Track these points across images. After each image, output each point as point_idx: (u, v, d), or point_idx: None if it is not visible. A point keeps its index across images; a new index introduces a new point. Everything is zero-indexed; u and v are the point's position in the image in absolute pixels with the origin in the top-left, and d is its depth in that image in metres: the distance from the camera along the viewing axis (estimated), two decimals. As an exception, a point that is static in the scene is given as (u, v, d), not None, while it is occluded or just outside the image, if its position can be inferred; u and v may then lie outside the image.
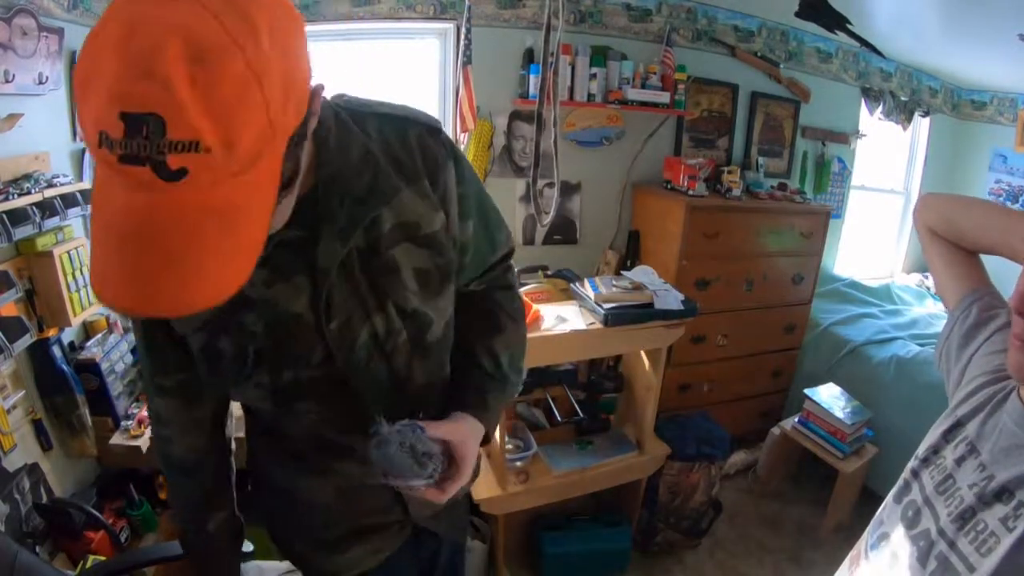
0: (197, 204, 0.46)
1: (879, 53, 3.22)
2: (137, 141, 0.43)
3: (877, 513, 0.82)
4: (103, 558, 1.43)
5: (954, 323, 0.85)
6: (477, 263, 0.88)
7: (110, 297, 0.47)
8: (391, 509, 0.91)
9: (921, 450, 0.78)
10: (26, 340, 1.38)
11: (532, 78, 2.35)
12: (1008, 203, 3.50)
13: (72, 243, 1.59)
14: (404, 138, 0.75)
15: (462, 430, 0.80)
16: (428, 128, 0.78)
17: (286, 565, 1.27)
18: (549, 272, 2.31)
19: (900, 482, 0.79)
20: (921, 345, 2.73)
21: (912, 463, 0.78)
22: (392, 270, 0.74)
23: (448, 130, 2.50)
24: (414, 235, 0.75)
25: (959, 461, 0.70)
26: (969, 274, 0.89)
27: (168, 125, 0.42)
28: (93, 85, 0.44)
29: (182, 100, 0.42)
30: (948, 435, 0.74)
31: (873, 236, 3.86)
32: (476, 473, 0.91)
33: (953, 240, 0.89)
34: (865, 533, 0.83)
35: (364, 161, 0.70)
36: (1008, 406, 0.68)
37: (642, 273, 2.12)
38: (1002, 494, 0.63)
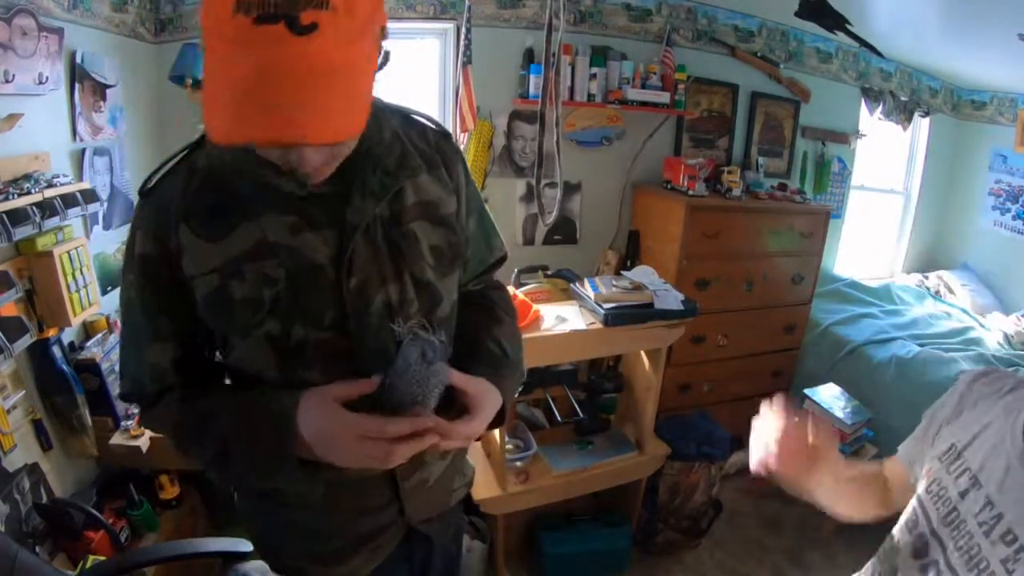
0: (325, 56, 0.54)
1: (878, 53, 3.22)
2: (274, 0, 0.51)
3: (887, 541, 0.83)
4: (103, 558, 1.43)
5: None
6: (476, 262, 0.94)
7: (251, 132, 0.54)
8: (386, 508, 0.89)
9: (924, 484, 0.78)
10: (26, 340, 1.39)
11: (532, 78, 2.35)
12: (1008, 203, 3.50)
13: (72, 243, 1.59)
14: (423, 133, 0.84)
15: (482, 391, 0.78)
16: (442, 132, 0.87)
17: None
18: (549, 272, 2.31)
19: (909, 511, 0.79)
20: (921, 345, 2.73)
21: (919, 492, 0.78)
22: (412, 241, 0.79)
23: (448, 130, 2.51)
24: (432, 214, 0.82)
25: (963, 494, 0.71)
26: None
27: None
28: None
29: None
30: (950, 467, 0.74)
31: (873, 236, 3.86)
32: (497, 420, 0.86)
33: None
34: (874, 561, 0.85)
35: (395, 140, 0.79)
36: (1017, 449, 0.68)
37: (642, 273, 2.12)
38: (1006, 536, 0.65)
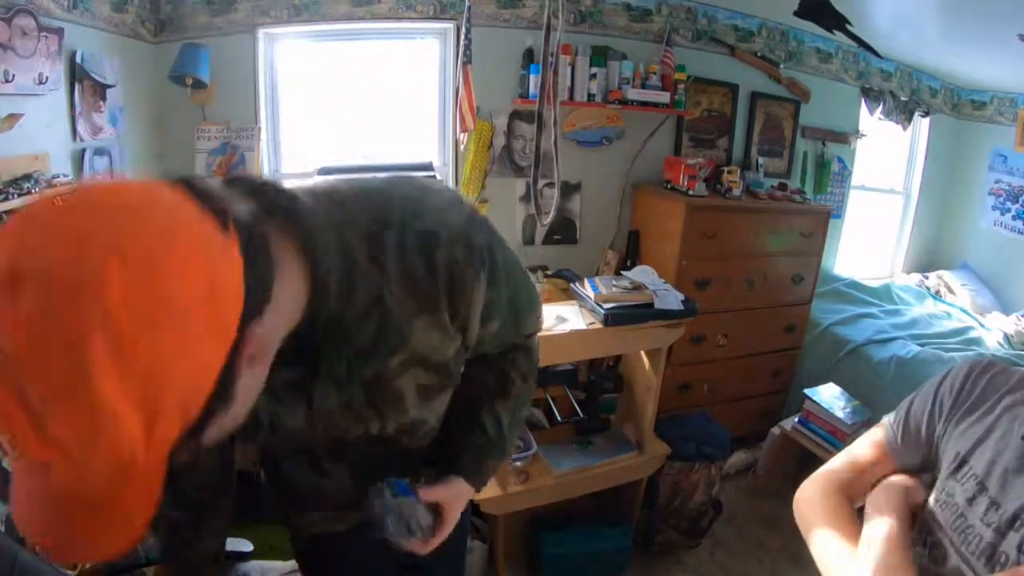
0: (66, 492, 0.42)
1: (876, 54, 3.22)
2: None
3: None
4: (103, 558, 1.43)
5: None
6: (498, 343, 0.85)
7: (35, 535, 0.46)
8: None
9: (932, 494, 0.78)
10: (26, 340, 1.38)
11: (532, 78, 2.35)
12: (1008, 203, 3.50)
13: (72, 243, 1.59)
14: (430, 260, 0.66)
15: (454, 494, 0.84)
16: (464, 243, 0.68)
17: (288, 565, 1.26)
18: (549, 272, 2.31)
19: (920, 522, 0.79)
20: (921, 345, 2.73)
21: (929, 502, 0.78)
22: (396, 398, 0.73)
23: (448, 130, 2.51)
24: (424, 362, 0.72)
25: (970, 500, 0.71)
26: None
27: (17, 445, 0.39)
28: None
29: (23, 430, 0.38)
30: (956, 474, 0.74)
31: (873, 236, 3.86)
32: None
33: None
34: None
35: (372, 308, 0.64)
36: (1015, 449, 0.69)
37: (642, 273, 2.12)
38: (1014, 522, 0.65)
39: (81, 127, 1.73)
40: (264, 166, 2.39)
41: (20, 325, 0.37)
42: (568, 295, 2.10)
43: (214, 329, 0.43)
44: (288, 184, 0.61)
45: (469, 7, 2.15)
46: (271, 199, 0.55)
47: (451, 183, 2.58)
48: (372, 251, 0.63)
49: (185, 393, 0.43)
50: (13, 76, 1.43)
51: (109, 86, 1.85)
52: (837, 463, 0.92)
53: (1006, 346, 2.94)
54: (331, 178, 0.69)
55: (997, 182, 3.55)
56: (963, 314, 3.26)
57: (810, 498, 0.91)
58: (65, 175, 1.58)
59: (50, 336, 0.37)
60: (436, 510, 0.82)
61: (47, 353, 0.37)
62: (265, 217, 0.53)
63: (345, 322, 0.62)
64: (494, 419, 0.87)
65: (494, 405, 0.88)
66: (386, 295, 0.64)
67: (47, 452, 0.39)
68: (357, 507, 0.80)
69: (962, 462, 0.74)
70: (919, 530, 0.78)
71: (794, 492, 1.04)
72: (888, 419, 0.88)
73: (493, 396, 0.88)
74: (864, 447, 0.89)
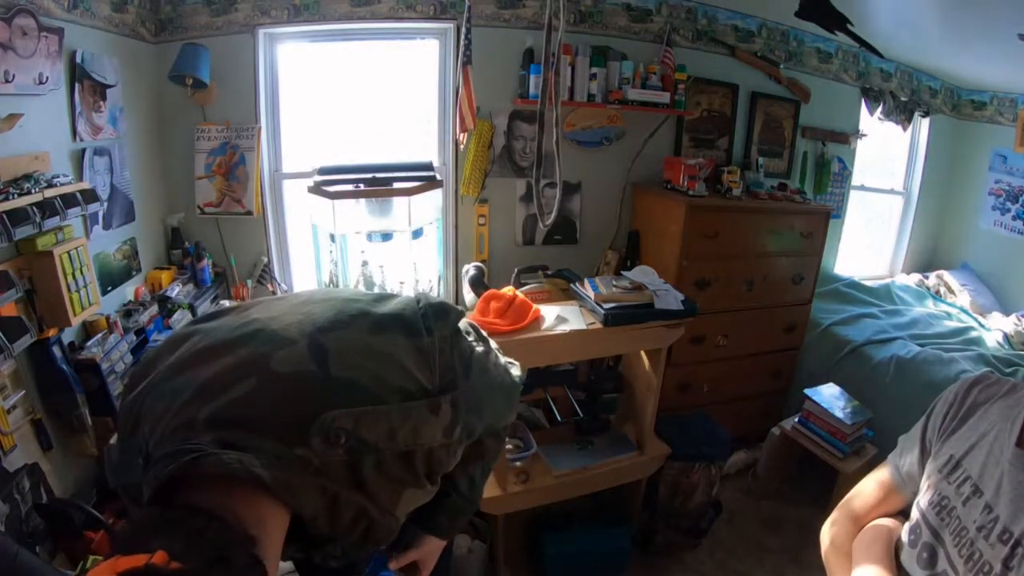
0: None
1: (878, 54, 3.22)
2: None
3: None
4: (103, 558, 1.43)
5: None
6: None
7: None
8: None
9: (926, 496, 0.78)
10: (26, 340, 1.38)
11: (532, 78, 2.35)
12: (1008, 203, 3.50)
13: (72, 243, 1.59)
14: (409, 464, 0.65)
15: (427, 552, 0.90)
16: (442, 445, 0.67)
17: (286, 565, 1.27)
18: (549, 272, 2.31)
19: (912, 522, 0.79)
20: (921, 345, 2.73)
21: (922, 504, 0.79)
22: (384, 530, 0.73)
23: (448, 130, 2.51)
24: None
25: (965, 502, 0.72)
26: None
27: None
28: None
29: None
30: (949, 477, 0.75)
31: (873, 236, 3.86)
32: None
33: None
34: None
35: (359, 520, 0.63)
36: (1008, 454, 0.70)
37: (642, 273, 2.12)
38: (1003, 535, 0.66)
39: (81, 127, 1.73)
40: (264, 166, 2.39)
41: None
42: (568, 295, 2.10)
43: None
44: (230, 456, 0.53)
45: (469, 7, 2.15)
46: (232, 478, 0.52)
47: (451, 183, 2.58)
48: (350, 481, 0.60)
49: None
50: (13, 76, 1.43)
51: (109, 86, 1.85)
52: (856, 503, 0.93)
53: (1006, 346, 2.94)
54: (270, 396, 0.59)
55: (997, 182, 3.55)
56: (963, 314, 3.26)
57: (839, 543, 0.89)
58: (65, 175, 1.58)
59: None
60: (413, 567, 0.89)
61: None
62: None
63: (333, 534, 0.62)
64: (468, 480, 0.89)
65: (468, 468, 0.88)
66: (370, 509, 0.63)
67: None
68: None
69: (956, 465, 0.75)
70: (911, 531, 0.78)
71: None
72: (893, 457, 0.90)
73: (467, 461, 0.85)
74: (872, 487, 0.92)
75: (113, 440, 1.68)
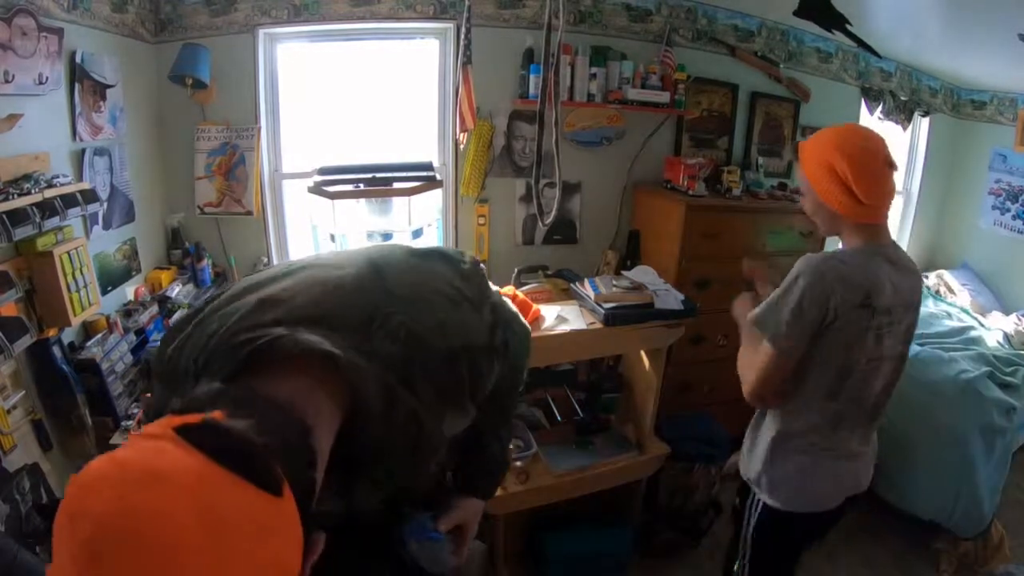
0: None
1: (876, 54, 3.22)
2: None
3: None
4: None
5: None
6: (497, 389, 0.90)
7: None
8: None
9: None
10: (26, 340, 1.39)
11: (532, 78, 2.35)
12: (1008, 203, 3.50)
13: (72, 243, 1.59)
14: (454, 370, 0.71)
15: (470, 513, 0.94)
16: (484, 350, 0.75)
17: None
18: (549, 272, 2.31)
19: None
20: (921, 345, 2.73)
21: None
22: (424, 480, 0.84)
23: (448, 130, 2.51)
24: (447, 448, 0.81)
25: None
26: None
27: None
28: None
29: None
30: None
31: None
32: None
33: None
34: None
35: (408, 424, 0.66)
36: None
37: (642, 273, 2.12)
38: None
39: (81, 127, 1.73)
40: (264, 166, 2.39)
41: None
42: (568, 295, 2.10)
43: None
44: (307, 339, 0.57)
45: (469, 7, 2.15)
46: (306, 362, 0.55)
47: (451, 183, 2.58)
48: (403, 377, 0.64)
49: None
50: (13, 76, 1.43)
51: (109, 86, 1.85)
52: None
53: (1006, 346, 2.94)
54: (337, 297, 0.65)
55: (997, 182, 3.55)
56: (963, 314, 3.26)
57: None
58: (65, 175, 1.58)
59: None
60: (458, 532, 0.92)
61: None
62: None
63: (384, 440, 0.63)
64: (498, 440, 0.99)
65: (498, 430, 0.98)
66: (420, 410, 0.66)
67: None
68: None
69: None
70: None
71: None
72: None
73: (497, 424, 0.97)
74: None
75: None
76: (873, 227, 1.32)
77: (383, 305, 0.65)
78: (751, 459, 1.47)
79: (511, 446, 2.04)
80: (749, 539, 1.50)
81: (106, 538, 0.36)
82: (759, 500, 1.45)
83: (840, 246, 1.39)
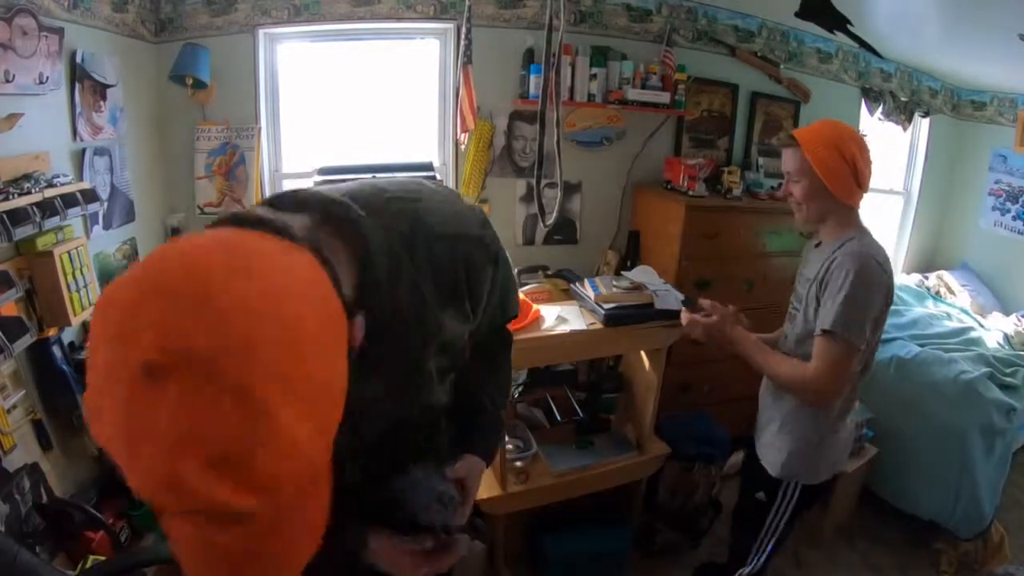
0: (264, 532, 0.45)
1: (877, 54, 3.22)
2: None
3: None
4: (103, 558, 1.43)
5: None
6: (487, 329, 0.95)
7: None
8: None
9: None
10: (26, 340, 1.38)
11: (532, 78, 2.35)
12: (1008, 203, 3.50)
13: (72, 243, 1.59)
14: (453, 257, 0.77)
15: (471, 469, 0.93)
16: (477, 241, 0.80)
17: None
18: (549, 272, 2.31)
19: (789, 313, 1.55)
20: (921, 345, 2.73)
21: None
22: (426, 382, 0.84)
23: (449, 130, 2.51)
24: (446, 348, 0.83)
25: (799, 283, 1.52)
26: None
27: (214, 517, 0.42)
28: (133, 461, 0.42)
29: (221, 500, 0.41)
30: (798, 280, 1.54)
31: (877, 235, 3.85)
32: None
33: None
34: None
35: (412, 296, 0.73)
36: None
37: (642, 273, 2.12)
38: (803, 280, 1.50)
39: (81, 127, 1.73)
40: (264, 166, 2.39)
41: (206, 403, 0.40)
42: (568, 295, 2.10)
43: (337, 338, 0.50)
44: (327, 190, 0.68)
45: (469, 7, 2.15)
46: (326, 210, 0.63)
47: (451, 183, 2.58)
48: (408, 249, 0.72)
49: (335, 398, 0.49)
50: (13, 76, 1.43)
51: (109, 86, 1.84)
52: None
53: (1006, 346, 2.94)
54: (356, 185, 0.76)
55: (997, 182, 3.55)
56: (963, 314, 3.26)
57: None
58: (65, 175, 1.57)
59: (222, 402, 0.40)
60: (459, 486, 0.89)
61: (227, 415, 0.40)
62: (320, 226, 0.61)
63: (389, 311, 0.69)
64: (490, 398, 1.01)
65: (487, 387, 1.01)
66: (423, 285, 0.74)
67: (250, 499, 0.41)
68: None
69: (799, 274, 1.55)
70: (788, 315, 1.57)
71: None
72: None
73: (486, 378, 1.01)
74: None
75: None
76: (857, 213, 1.45)
77: (391, 195, 0.74)
78: (787, 455, 1.51)
79: (511, 445, 2.04)
80: (781, 525, 1.56)
81: (157, 270, 0.44)
82: (796, 485, 1.52)
83: (822, 229, 1.49)
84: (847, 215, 1.43)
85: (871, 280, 1.32)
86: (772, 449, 1.55)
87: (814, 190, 1.40)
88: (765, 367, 1.47)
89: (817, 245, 1.52)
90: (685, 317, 1.64)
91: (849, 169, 1.36)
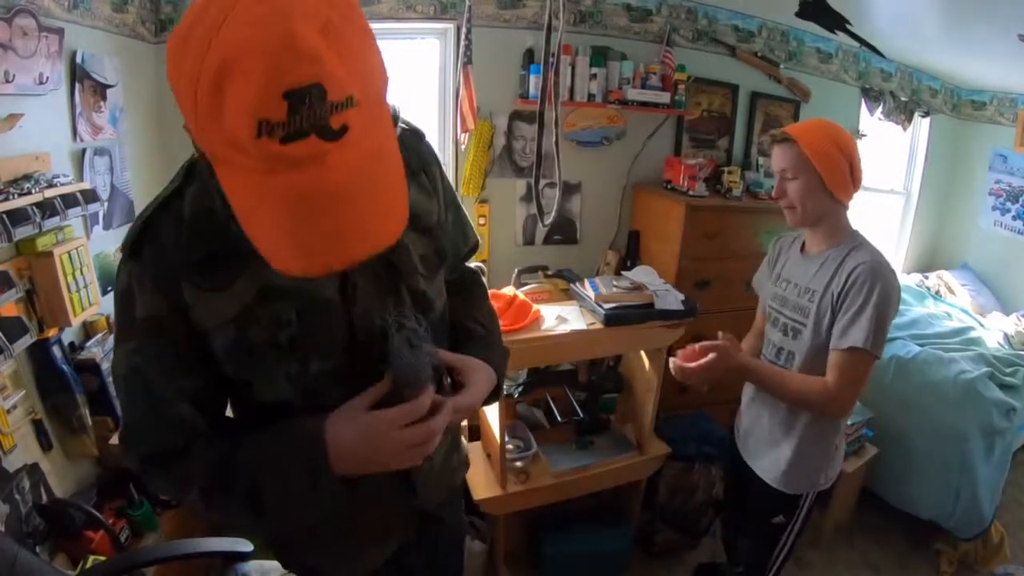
0: (360, 154, 0.52)
1: (879, 53, 3.22)
2: (301, 114, 0.47)
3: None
4: (103, 558, 1.43)
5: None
6: (453, 254, 0.96)
7: (326, 261, 0.53)
8: (402, 499, 0.91)
9: (770, 297, 1.61)
10: (26, 340, 1.39)
11: (532, 78, 2.35)
12: (1008, 203, 3.50)
13: (72, 243, 1.59)
14: (400, 139, 0.77)
15: (471, 360, 0.85)
16: (415, 132, 0.89)
17: (275, 565, 1.27)
18: (549, 272, 2.31)
19: (768, 310, 1.62)
20: (921, 345, 2.73)
21: (769, 302, 1.62)
22: (405, 253, 0.80)
23: (448, 130, 2.51)
24: (418, 225, 0.82)
25: (785, 289, 1.56)
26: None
27: (327, 91, 0.48)
28: (235, 84, 0.47)
29: (332, 66, 0.48)
30: (777, 284, 1.59)
31: (873, 236, 3.84)
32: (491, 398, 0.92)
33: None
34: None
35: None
36: (795, 256, 1.58)
37: (642, 273, 2.12)
38: (798, 288, 1.52)
39: (81, 127, 1.73)
40: (264, 166, 2.38)
41: None
42: (568, 295, 2.10)
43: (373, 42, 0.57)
44: None
45: (469, 7, 2.15)
46: None
47: (451, 183, 2.58)
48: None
49: (379, 83, 0.57)
50: (13, 76, 1.43)
51: (109, 86, 1.84)
52: (755, 323, 1.84)
53: (1006, 346, 2.94)
54: None
55: (997, 182, 3.55)
56: (963, 314, 3.26)
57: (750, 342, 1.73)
58: (65, 175, 1.58)
59: None
60: (457, 383, 0.82)
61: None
62: None
63: None
64: (477, 323, 0.98)
65: (472, 314, 0.99)
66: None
67: (351, 85, 0.50)
68: None
69: (778, 277, 1.59)
70: (769, 316, 1.60)
71: None
72: (761, 295, 1.70)
73: (467, 309, 0.99)
74: (758, 313, 1.80)
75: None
76: (847, 215, 1.44)
77: None
78: (807, 471, 1.49)
79: (511, 445, 2.04)
80: (795, 536, 1.55)
81: None
82: (811, 495, 1.51)
83: (813, 232, 1.49)
84: (841, 217, 1.42)
85: (892, 295, 1.30)
86: (789, 467, 1.49)
87: (811, 187, 1.37)
88: (783, 390, 1.39)
89: (803, 250, 1.50)
90: (673, 366, 1.48)
91: (847, 164, 1.34)
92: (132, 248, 0.71)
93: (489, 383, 0.87)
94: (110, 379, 1.70)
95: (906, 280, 3.68)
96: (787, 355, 1.50)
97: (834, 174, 1.34)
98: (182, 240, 0.69)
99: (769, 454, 1.54)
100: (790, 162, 1.38)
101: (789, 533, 1.55)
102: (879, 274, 1.31)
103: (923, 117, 3.57)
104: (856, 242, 1.41)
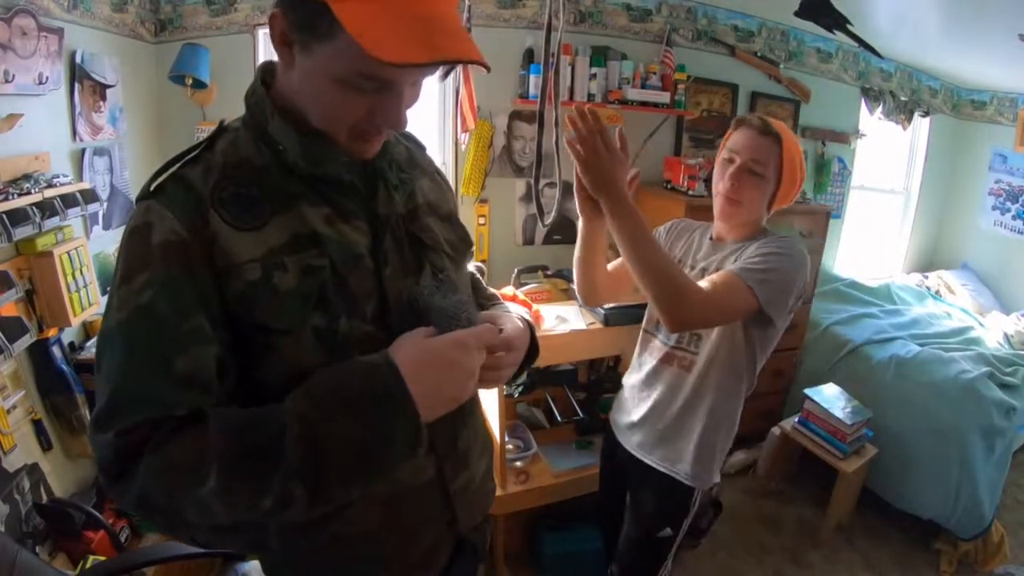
0: None
1: (877, 54, 3.22)
2: None
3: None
4: (103, 558, 1.43)
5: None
6: (461, 246, 0.97)
7: (445, 52, 0.61)
8: (439, 519, 0.83)
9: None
10: (26, 340, 1.39)
11: (532, 78, 2.35)
12: (1008, 203, 3.51)
13: (72, 243, 1.59)
14: (410, 141, 0.91)
15: (513, 327, 0.82)
16: (417, 143, 0.94)
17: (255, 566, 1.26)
18: (549, 272, 2.31)
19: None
20: (921, 345, 2.73)
21: None
22: (430, 233, 0.82)
23: (448, 130, 2.51)
24: (438, 212, 0.86)
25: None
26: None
27: None
28: None
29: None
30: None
31: (873, 236, 3.86)
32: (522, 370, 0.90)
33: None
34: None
35: (398, 142, 0.86)
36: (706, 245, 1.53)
37: (642, 273, 2.11)
38: (695, 268, 1.49)
39: (81, 127, 1.73)
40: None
41: None
42: (568, 295, 2.10)
43: None
44: None
45: (469, 7, 2.15)
46: None
47: (451, 183, 2.58)
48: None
49: None
50: (13, 76, 1.43)
51: (109, 86, 1.84)
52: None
53: (1006, 346, 2.94)
54: None
55: (997, 182, 3.55)
56: (963, 314, 3.27)
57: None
58: (65, 175, 1.58)
59: None
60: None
61: None
62: None
63: (389, 147, 0.81)
64: (489, 301, 1.02)
65: (480, 301, 1.00)
66: (399, 137, 0.87)
67: None
68: None
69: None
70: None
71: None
72: None
73: (479, 297, 1.01)
74: None
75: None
76: None
77: None
78: (710, 457, 1.34)
79: (511, 445, 2.04)
80: (685, 528, 1.42)
81: None
82: (698, 495, 1.38)
83: (730, 227, 1.42)
84: (768, 220, 1.37)
85: (795, 256, 1.21)
86: (692, 453, 1.33)
87: (766, 192, 1.29)
88: (653, 254, 1.14)
89: (713, 239, 1.44)
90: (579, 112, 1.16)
91: (800, 183, 1.32)
92: (155, 188, 0.66)
93: (525, 339, 0.84)
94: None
95: (906, 280, 3.68)
96: (692, 338, 1.35)
97: (792, 189, 1.30)
98: (211, 179, 0.67)
99: (664, 432, 1.40)
100: (766, 158, 1.26)
101: (675, 546, 1.41)
102: (786, 241, 1.24)
103: (923, 117, 3.58)
104: (771, 233, 1.33)
